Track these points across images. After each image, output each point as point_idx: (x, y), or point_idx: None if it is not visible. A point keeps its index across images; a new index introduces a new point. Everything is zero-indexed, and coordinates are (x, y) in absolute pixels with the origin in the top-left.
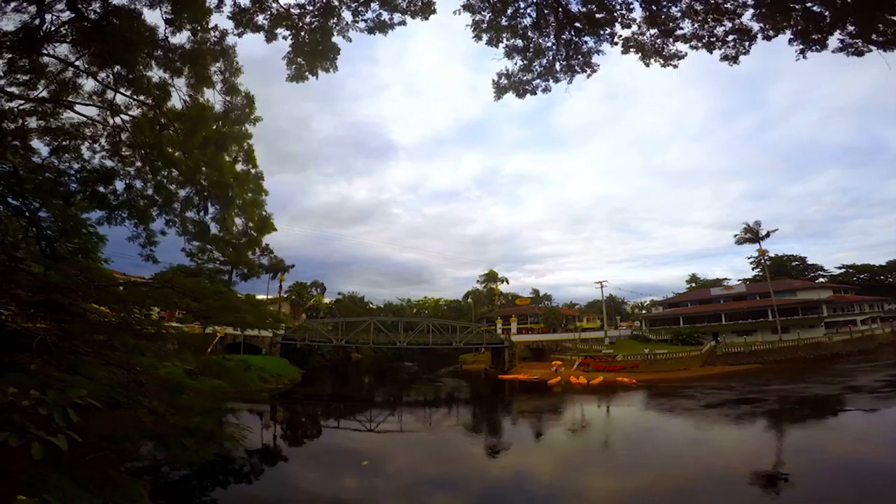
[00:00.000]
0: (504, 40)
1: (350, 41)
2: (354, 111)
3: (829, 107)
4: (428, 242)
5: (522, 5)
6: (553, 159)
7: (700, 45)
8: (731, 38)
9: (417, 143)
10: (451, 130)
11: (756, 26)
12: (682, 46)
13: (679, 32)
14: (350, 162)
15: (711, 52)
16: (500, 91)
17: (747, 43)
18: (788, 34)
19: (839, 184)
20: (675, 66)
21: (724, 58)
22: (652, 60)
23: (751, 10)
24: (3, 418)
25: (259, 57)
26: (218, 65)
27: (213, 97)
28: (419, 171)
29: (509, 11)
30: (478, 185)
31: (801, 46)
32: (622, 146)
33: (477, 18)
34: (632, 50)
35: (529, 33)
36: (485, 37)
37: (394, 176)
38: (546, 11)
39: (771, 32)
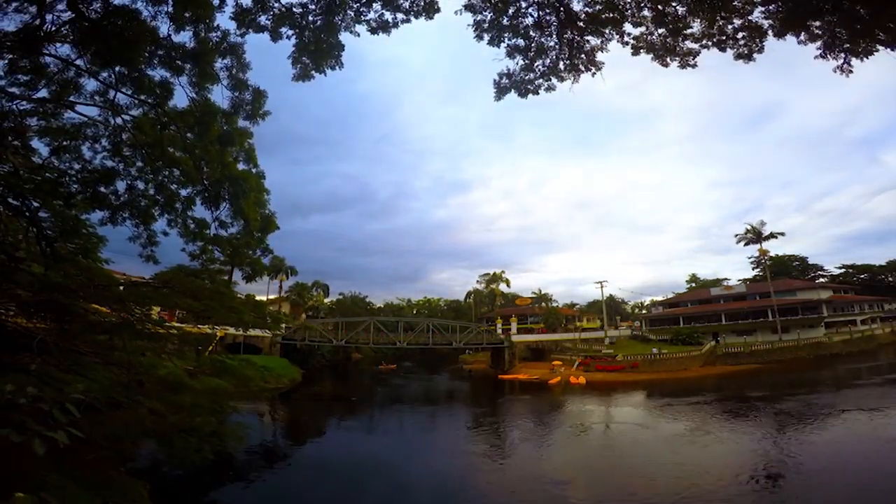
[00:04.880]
0: (505, 40)
1: (358, 35)
2: (375, 105)
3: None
4: (433, 242)
5: (524, 5)
6: (571, 157)
7: (711, 43)
8: (741, 35)
9: (437, 139)
10: (474, 127)
11: (766, 23)
12: (693, 45)
13: (688, 31)
14: (366, 156)
15: (724, 51)
16: (500, 91)
17: (759, 40)
18: (803, 36)
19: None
20: (693, 66)
21: (739, 56)
22: (668, 60)
23: (760, 8)
24: (2, 416)
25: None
26: (225, 61)
27: (221, 93)
28: (433, 170)
29: (510, 11)
30: (493, 183)
31: (819, 51)
32: (645, 143)
33: (478, 18)
34: (642, 51)
35: (531, 32)
36: (486, 37)
37: (411, 173)
38: (547, 11)
39: (781, 29)
